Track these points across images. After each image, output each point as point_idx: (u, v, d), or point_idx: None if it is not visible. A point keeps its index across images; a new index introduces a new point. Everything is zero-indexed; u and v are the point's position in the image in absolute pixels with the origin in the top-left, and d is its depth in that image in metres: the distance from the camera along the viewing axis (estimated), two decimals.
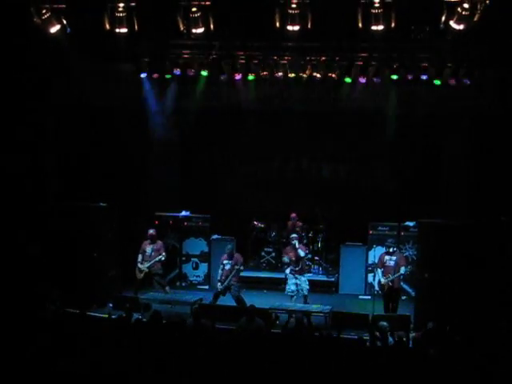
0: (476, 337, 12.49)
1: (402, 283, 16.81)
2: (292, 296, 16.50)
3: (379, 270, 16.19)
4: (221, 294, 16.60)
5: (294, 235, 17.16)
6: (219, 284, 16.62)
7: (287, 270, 16.70)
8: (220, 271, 16.76)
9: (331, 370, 9.26)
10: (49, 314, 12.81)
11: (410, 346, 12.63)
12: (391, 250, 16.17)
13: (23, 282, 15.61)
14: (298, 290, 16.49)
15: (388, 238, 16.87)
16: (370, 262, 18.08)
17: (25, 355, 9.21)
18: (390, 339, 12.60)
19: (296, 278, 16.52)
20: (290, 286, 16.57)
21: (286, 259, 16.87)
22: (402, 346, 11.94)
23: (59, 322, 12.06)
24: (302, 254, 16.68)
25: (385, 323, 12.88)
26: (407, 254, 18.24)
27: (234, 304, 16.38)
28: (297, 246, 16.68)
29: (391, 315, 15.62)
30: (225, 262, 16.73)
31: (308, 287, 16.57)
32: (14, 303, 13.04)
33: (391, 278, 15.86)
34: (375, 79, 17.92)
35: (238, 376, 8.93)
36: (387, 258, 16.16)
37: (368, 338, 13.01)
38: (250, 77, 18.33)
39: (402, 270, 15.92)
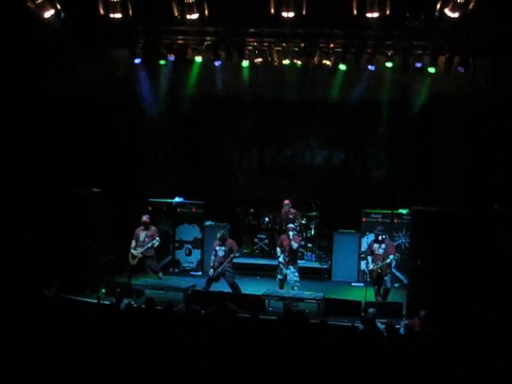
0: (468, 325, 12.56)
1: (393, 270, 17.08)
2: (279, 285, 16.55)
3: (369, 258, 16.42)
4: (214, 280, 16.58)
5: (291, 225, 17.09)
6: (211, 270, 16.60)
7: (280, 258, 16.72)
8: (212, 257, 16.71)
9: (322, 357, 9.29)
10: (43, 299, 12.82)
11: (402, 332, 12.61)
12: (380, 238, 16.30)
13: (18, 267, 15.59)
14: (285, 280, 16.53)
15: (377, 226, 16.93)
16: (362, 249, 18.19)
17: (18, 338, 9.22)
18: (380, 325, 12.64)
19: (286, 269, 16.54)
20: (278, 275, 16.66)
21: (278, 252, 16.86)
22: (392, 333, 11.97)
23: (53, 306, 12.07)
24: (294, 246, 16.60)
25: (372, 309, 12.96)
26: (400, 241, 18.32)
27: (227, 290, 16.37)
28: (291, 237, 16.67)
29: (384, 302, 15.73)
30: (217, 248, 16.68)
31: (296, 278, 16.52)
32: (9, 288, 13.04)
33: (380, 265, 16.02)
34: (369, 67, 17.88)
35: (227, 362, 8.96)
36: (376, 246, 16.32)
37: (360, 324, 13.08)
38: (245, 63, 18.27)
39: (391, 257, 16.10)
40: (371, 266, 16.16)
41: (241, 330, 11.13)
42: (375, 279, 16.23)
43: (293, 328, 11.29)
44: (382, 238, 16.33)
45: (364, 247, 17.75)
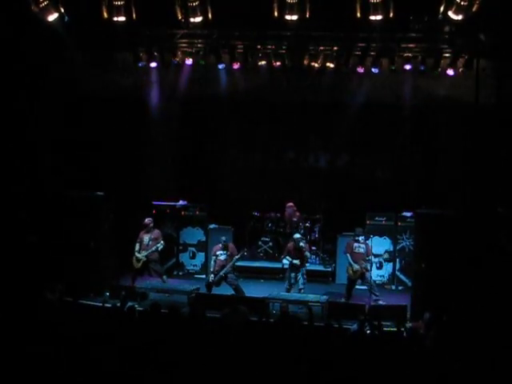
0: (472, 327, 12.53)
1: (397, 272, 18.16)
2: (287, 288, 16.56)
3: (348, 256, 16.67)
4: (214, 284, 16.56)
5: (298, 236, 17.05)
6: (212, 276, 16.60)
7: (284, 261, 16.70)
8: (213, 262, 16.76)
9: (325, 359, 9.28)
10: (47, 302, 12.81)
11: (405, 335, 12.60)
12: (360, 238, 16.72)
13: (21, 270, 15.58)
14: (294, 284, 16.57)
15: (356, 228, 17.10)
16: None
17: (21, 343, 9.22)
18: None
19: (296, 272, 16.55)
20: (291, 280, 16.63)
21: (287, 260, 16.82)
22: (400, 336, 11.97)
23: (56, 309, 12.07)
24: (308, 255, 16.94)
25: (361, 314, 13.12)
26: (404, 244, 18.36)
27: (230, 293, 16.36)
28: (304, 247, 16.72)
29: (389, 305, 15.73)
30: (218, 252, 16.71)
31: (304, 281, 16.58)
32: (12, 292, 13.04)
33: (364, 264, 16.42)
34: (373, 69, 17.90)
35: (230, 366, 8.96)
36: (356, 245, 16.69)
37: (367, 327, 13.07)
38: (248, 66, 18.30)
39: (372, 258, 16.97)
40: (356, 267, 16.35)
41: (247, 333, 11.12)
42: (355, 279, 16.52)
43: (289, 331, 11.27)
44: (363, 239, 16.75)
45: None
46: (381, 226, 18.56)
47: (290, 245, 16.94)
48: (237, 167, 21.42)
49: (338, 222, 19.51)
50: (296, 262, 16.55)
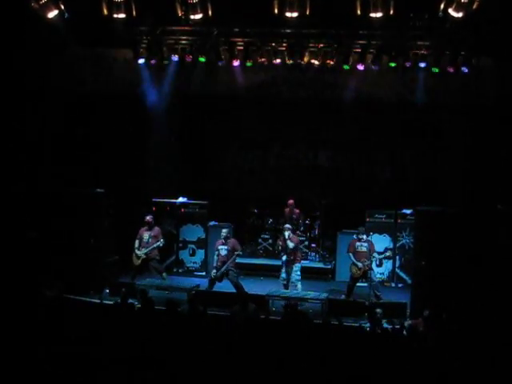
0: (472, 324, 12.54)
1: (397, 270, 18.14)
2: (284, 284, 16.55)
3: (351, 255, 16.59)
4: (217, 280, 16.53)
5: (287, 225, 17.06)
6: (214, 270, 16.56)
7: (283, 258, 16.68)
8: (215, 257, 16.70)
9: (325, 357, 9.27)
10: (45, 299, 12.80)
11: (405, 333, 12.62)
12: (364, 237, 16.64)
13: (20, 267, 15.58)
14: (289, 279, 16.54)
15: (359, 227, 17.02)
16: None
17: (19, 339, 9.22)
18: (386, 325, 12.68)
19: (287, 267, 16.53)
20: (282, 274, 16.63)
21: (284, 258, 16.77)
22: (400, 333, 11.97)
23: (54, 306, 12.05)
24: (290, 245, 16.54)
25: (379, 309, 13.03)
26: (404, 241, 18.35)
27: (231, 290, 16.35)
28: (287, 237, 16.63)
29: (389, 302, 15.72)
30: (220, 247, 16.65)
31: (299, 277, 16.54)
32: (10, 288, 13.03)
33: (367, 262, 16.31)
34: (373, 66, 17.88)
35: (233, 363, 8.94)
36: (358, 244, 16.60)
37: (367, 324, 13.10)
38: (248, 63, 18.27)
39: (376, 255, 16.75)
40: (360, 265, 16.30)
41: (251, 329, 11.11)
42: (358, 277, 16.47)
43: (296, 328, 11.27)
44: (364, 238, 16.66)
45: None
46: (381, 224, 18.57)
47: (282, 237, 16.96)
48: (237, 164, 21.43)
49: (337, 220, 19.51)
50: (283, 258, 16.59)
